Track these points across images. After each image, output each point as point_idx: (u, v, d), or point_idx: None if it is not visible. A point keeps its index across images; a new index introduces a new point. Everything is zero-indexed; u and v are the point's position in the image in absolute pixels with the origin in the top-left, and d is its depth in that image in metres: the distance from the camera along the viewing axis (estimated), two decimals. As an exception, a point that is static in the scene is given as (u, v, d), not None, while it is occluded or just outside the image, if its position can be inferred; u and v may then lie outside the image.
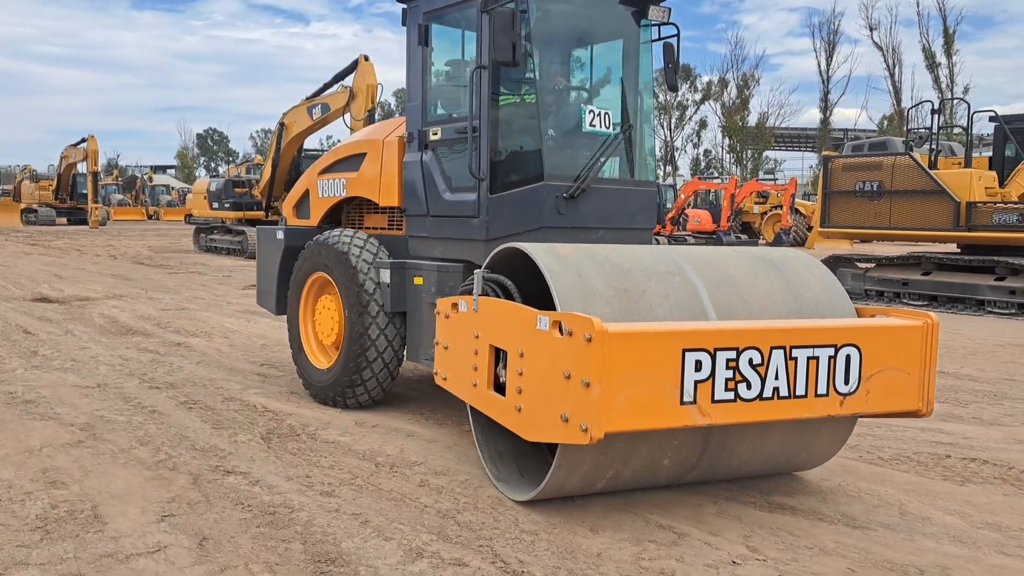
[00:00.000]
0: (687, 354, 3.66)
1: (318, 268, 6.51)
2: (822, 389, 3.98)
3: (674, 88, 6.10)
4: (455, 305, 4.81)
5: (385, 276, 6.03)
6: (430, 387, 6.90)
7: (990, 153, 15.95)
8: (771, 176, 58.55)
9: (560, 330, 3.69)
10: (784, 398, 3.89)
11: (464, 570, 3.61)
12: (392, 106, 62.05)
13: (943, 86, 48.48)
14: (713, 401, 3.73)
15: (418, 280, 5.95)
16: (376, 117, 16.99)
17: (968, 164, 14.87)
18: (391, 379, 6.18)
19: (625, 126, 5.81)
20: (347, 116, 17.13)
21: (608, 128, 5.73)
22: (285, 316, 7.16)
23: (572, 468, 4.03)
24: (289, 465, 4.96)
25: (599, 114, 5.70)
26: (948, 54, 48.62)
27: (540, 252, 4.19)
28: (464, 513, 4.25)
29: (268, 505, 4.28)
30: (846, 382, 4.03)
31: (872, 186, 14.74)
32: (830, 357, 3.98)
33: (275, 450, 5.26)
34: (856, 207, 14.97)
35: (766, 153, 64.12)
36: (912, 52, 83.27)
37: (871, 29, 54.04)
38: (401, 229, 6.47)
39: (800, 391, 3.93)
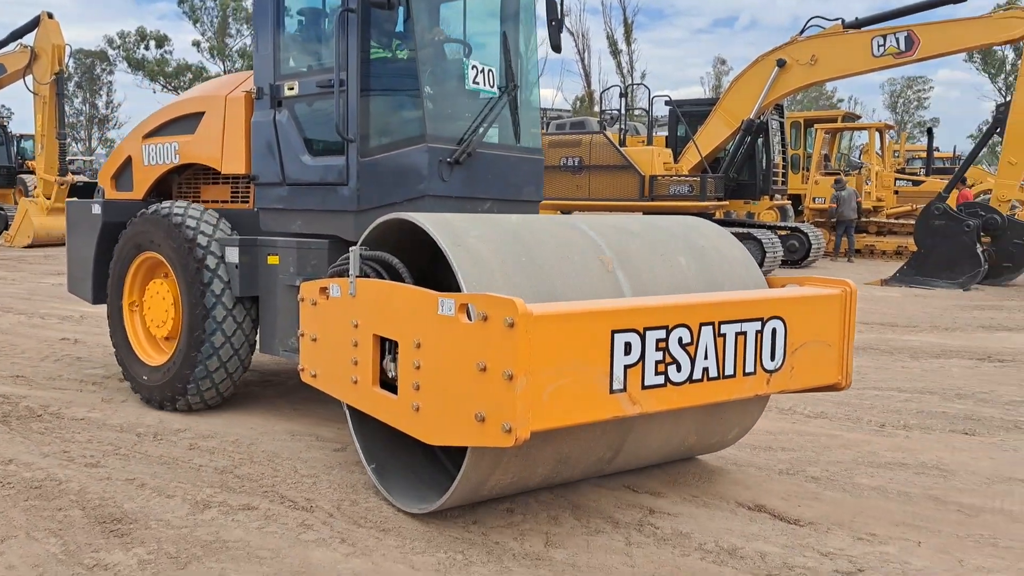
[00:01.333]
0: (616, 336, 3.19)
1: (146, 247, 5.59)
2: (749, 367, 3.64)
3: (557, 48, 5.58)
4: (324, 290, 4.12)
5: (232, 255, 5.20)
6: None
7: (667, 132, 18.73)
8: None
9: (469, 314, 3.12)
10: (713, 379, 3.52)
11: (254, 512, 3.86)
12: (72, 69, 57.87)
13: (624, 71, 51.31)
14: (643, 387, 3.28)
15: (273, 260, 5.17)
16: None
17: (650, 142, 17.50)
18: (242, 369, 5.39)
19: (510, 86, 5.24)
20: (29, 79, 16.98)
21: (492, 87, 5.15)
22: (101, 305, 6.20)
23: (484, 472, 3.48)
24: (40, 444, 4.80)
25: (482, 71, 5.10)
26: (628, 42, 51.31)
27: (433, 223, 3.57)
28: (242, 467, 4.46)
29: (31, 480, 4.18)
30: (772, 358, 3.71)
31: (574, 161, 16.42)
32: (757, 332, 3.65)
33: (19, 431, 5.04)
34: (561, 180, 16.39)
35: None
36: (599, 39, 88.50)
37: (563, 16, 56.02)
38: (248, 201, 5.63)
39: (729, 370, 3.57)
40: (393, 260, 3.78)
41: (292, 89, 5.13)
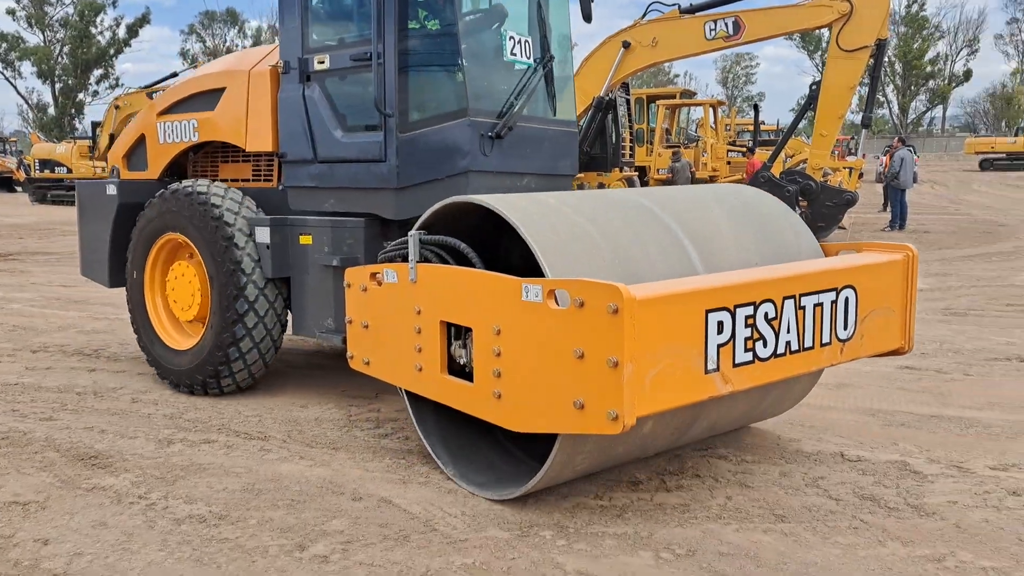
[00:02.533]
0: (709, 315, 3.16)
1: (169, 228, 5.39)
2: (826, 337, 3.65)
3: (588, 18, 5.38)
4: (375, 275, 4.02)
5: (263, 235, 5.04)
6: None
7: None
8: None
9: (557, 300, 3.07)
10: (795, 352, 3.52)
11: (215, 443, 4.48)
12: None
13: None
14: (734, 365, 3.27)
15: (305, 239, 5.02)
16: None
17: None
18: (275, 350, 5.27)
19: (547, 57, 5.09)
20: None
21: (529, 58, 4.99)
22: (120, 289, 6.01)
23: (570, 456, 3.46)
24: (-17, 407, 5.16)
25: (520, 41, 4.95)
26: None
27: (504, 206, 3.48)
28: (188, 413, 5.01)
29: (-7, 434, 4.58)
30: (845, 327, 3.73)
31: None
32: (832, 302, 3.65)
33: (-46, 400, 5.34)
34: None
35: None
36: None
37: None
38: (271, 180, 5.44)
39: (808, 342, 3.57)
40: (460, 245, 3.67)
41: (323, 63, 4.93)
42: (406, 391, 4.12)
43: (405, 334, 3.85)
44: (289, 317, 5.30)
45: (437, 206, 3.84)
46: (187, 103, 5.77)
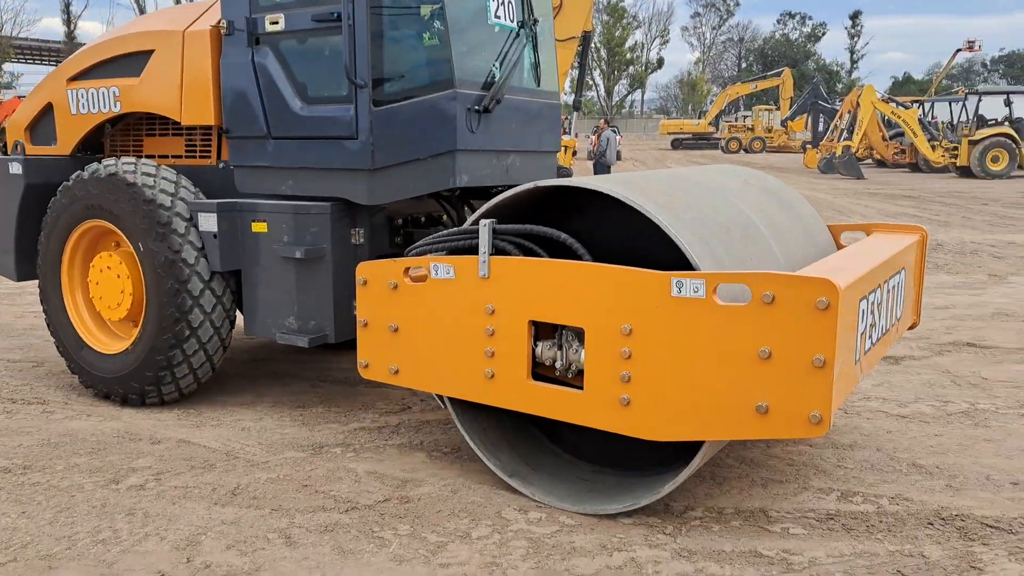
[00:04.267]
0: (861, 304, 3.07)
1: (90, 215, 4.48)
2: (894, 318, 3.73)
3: None
4: (412, 270, 3.48)
5: (209, 223, 4.25)
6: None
7: None
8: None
9: (721, 296, 2.82)
10: (883, 335, 3.55)
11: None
12: None
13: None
14: (864, 353, 3.22)
15: (259, 227, 4.28)
16: None
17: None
18: (223, 350, 4.49)
19: (530, 20, 4.64)
20: None
21: (512, 21, 4.52)
22: (32, 282, 5.24)
23: (709, 458, 3.19)
24: None
25: (503, 2, 4.46)
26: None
27: (624, 189, 3.11)
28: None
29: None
30: (900, 306, 3.84)
31: None
32: (897, 284, 3.73)
33: None
34: None
35: (5, 66, 60.36)
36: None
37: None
38: (209, 156, 4.58)
39: (890, 323, 3.63)
40: (560, 235, 3.25)
41: (276, 24, 4.17)
42: (453, 405, 3.60)
43: (468, 337, 3.38)
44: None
45: (516, 191, 3.36)
46: (104, 68, 4.78)
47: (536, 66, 4.77)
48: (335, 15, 3.91)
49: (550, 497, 3.43)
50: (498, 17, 4.42)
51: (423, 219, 4.73)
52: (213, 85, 4.35)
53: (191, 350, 4.32)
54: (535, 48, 4.73)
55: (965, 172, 25.18)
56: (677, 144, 49.55)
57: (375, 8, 3.92)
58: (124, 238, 4.41)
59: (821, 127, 34.56)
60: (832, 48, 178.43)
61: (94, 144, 5.12)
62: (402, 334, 3.57)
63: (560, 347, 3.30)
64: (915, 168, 28.51)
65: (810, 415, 2.72)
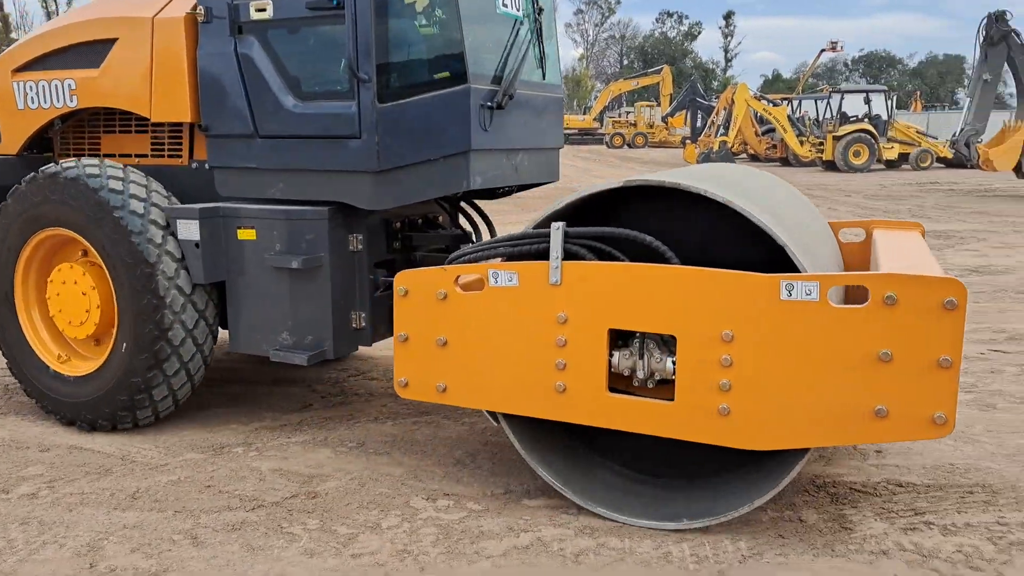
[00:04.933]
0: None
1: (49, 223, 4.13)
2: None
3: None
4: (462, 279, 3.32)
5: (190, 230, 3.93)
6: None
7: None
8: None
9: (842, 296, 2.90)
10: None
11: None
12: None
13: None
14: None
15: (246, 234, 3.98)
16: None
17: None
18: (204, 369, 4.20)
19: (536, 8, 4.42)
20: None
21: (518, 10, 4.28)
22: None
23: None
24: None
25: None
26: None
27: (728, 194, 2.96)
28: None
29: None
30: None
31: None
32: None
33: None
34: None
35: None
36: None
37: None
38: (179, 156, 4.31)
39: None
40: (645, 237, 3.09)
41: (263, 11, 3.85)
42: (510, 423, 3.37)
43: (534, 349, 3.17)
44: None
45: (585, 193, 3.17)
46: (56, 58, 4.34)
47: (541, 58, 4.49)
48: (335, 3, 3.63)
49: (613, 511, 3.27)
50: (505, 6, 4.16)
51: (420, 221, 4.49)
52: (189, 78, 3.99)
53: (171, 370, 3.97)
54: (540, 39, 4.46)
55: (830, 166, 26.72)
56: (564, 139, 50.31)
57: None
58: (91, 247, 4.03)
59: (699, 123, 35.89)
60: (708, 47, 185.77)
61: (41, 142, 4.69)
62: (452, 348, 3.31)
63: (640, 356, 3.14)
64: (785, 162, 30.03)
65: (934, 416, 2.70)
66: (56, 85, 4.37)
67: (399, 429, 4.30)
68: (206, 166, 4.17)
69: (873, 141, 26.57)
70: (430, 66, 4.00)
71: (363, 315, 4.06)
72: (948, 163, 26.30)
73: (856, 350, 2.75)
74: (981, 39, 18.14)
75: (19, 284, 4.34)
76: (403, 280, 3.40)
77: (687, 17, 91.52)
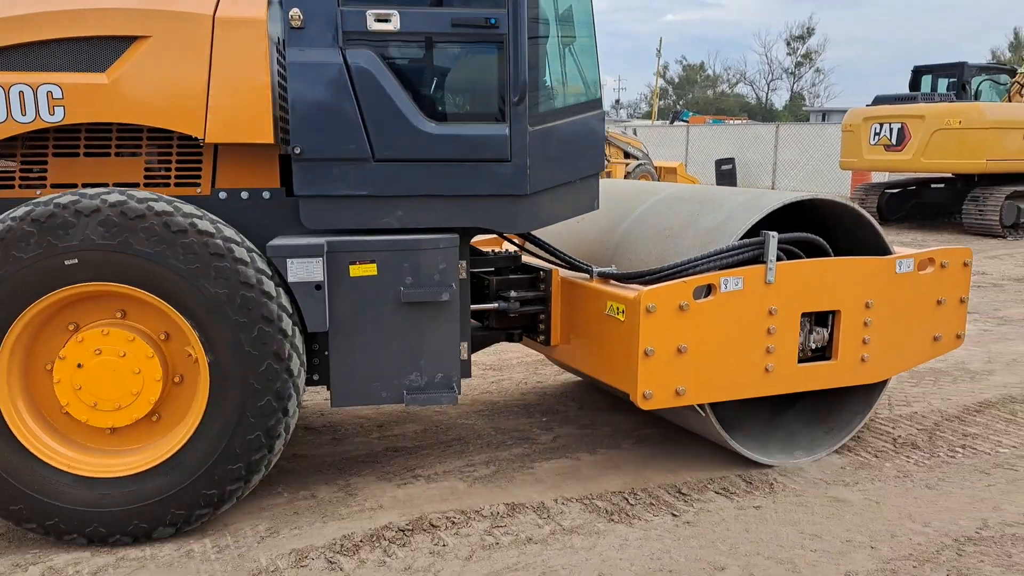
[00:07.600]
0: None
1: (91, 276, 3.08)
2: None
3: None
4: (694, 289, 3.62)
5: (309, 271, 3.31)
6: None
7: None
8: None
9: (923, 266, 4.10)
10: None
11: None
12: None
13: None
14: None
15: (362, 269, 3.44)
16: None
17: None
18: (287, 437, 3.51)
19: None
20: None
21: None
22: None
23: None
24: None
25: None
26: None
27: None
28: None
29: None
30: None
31: None
32: None
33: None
34: None
35: None
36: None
37: None
38: (193, 186, 3.49)
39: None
40: (818, 239, 3.97)
41: (386, 21, 3.37)
42: (711, 410, 3.83)
43: (751, 340, 3.73)
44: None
45: (780, 203, 3.83)
46: (31, 53, 3.21)
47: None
48: (491, 21, 3.41)
49: (785, 458, 4.13)
50: None
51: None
52: (268, 93, 3.29)
53: (278, 447, 3.27)
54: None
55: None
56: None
57: (533, 16, 3.49)
58: (169, 309, 3.12)
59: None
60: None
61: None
62: (691, 353, 3.60)
63: (815, 331, 3.97)
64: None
65: (958, 334, 4.29)
66: (22, 91, 3.17)
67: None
68: (264, 195, 3.51)
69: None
70: (570, 88, 3.95)
71: (466, 345, 3.84)
72: None
73: (929, 299, 4.13)
74: None
75: (7, 357, 3.11)
76: (650, 297, 3.51)
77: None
